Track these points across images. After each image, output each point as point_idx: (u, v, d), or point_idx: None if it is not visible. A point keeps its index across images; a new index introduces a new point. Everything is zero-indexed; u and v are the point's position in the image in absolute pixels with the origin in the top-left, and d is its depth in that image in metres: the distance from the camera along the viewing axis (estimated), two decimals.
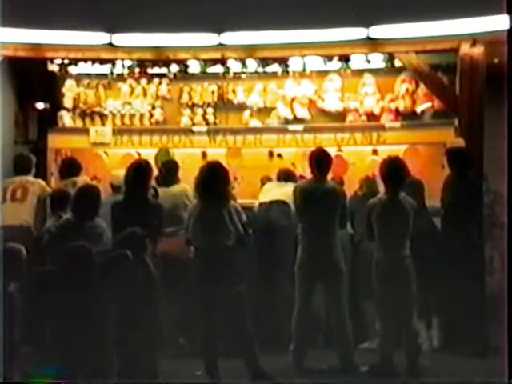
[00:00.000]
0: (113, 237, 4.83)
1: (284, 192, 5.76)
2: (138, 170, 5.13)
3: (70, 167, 6.30)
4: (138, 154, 7.49)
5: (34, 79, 7.59)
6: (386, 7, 6.16)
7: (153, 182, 5.54)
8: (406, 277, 4.89)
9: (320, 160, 5.14)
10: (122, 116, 7.78)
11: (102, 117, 7.81)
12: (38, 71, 7.47)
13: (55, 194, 5.65)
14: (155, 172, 5.78)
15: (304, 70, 7.39)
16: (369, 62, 7.24)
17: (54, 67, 7.59)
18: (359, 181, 6.27)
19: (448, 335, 5.58)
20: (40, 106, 7.79)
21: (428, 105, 7.29)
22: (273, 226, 5.70)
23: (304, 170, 6.42)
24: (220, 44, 6.71)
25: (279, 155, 7.59)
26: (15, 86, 7.44)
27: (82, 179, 6.11)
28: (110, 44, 6.76)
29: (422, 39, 6.48)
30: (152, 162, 6.26)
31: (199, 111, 7.73)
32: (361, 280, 5.39)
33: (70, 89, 7.80)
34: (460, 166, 5.70)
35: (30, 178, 5.95)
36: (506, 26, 5.26)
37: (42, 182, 6.03)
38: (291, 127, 7.44)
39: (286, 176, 6.16)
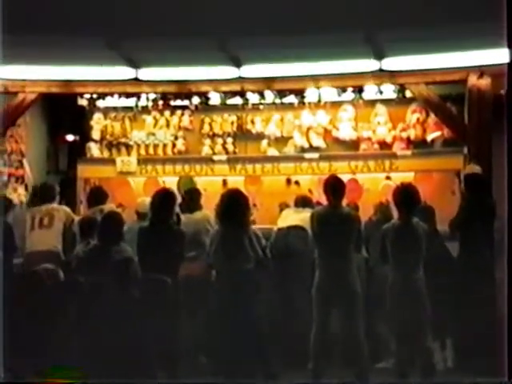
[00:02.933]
0: (139, 261, 5.05)
1: (301, 218, 5.86)
2: (164, 197, 5.25)
3: (98, 195, 6.46)
4: (163, 182, 7.74)
5: (65, 113, 7.92)
6: (398, 41, 6.37)
7: (177, 209, 5.75)
8: (420, 298, 4.96)
9: (334, 187, 5.20)
10: (147, 146, 8.07)
11: (128, 147, 8.12)
12: (69, 106, 7.78)
13: (83, 221, 5.82)
14: (179, 199, 5.98)
15: (319, 100, 7.63)
16: (381, 92, 7.46)
17: (83, 101, 7.91)
18: (373, 207, 6.39)
19: (462, 356, 5.66)
20: (70, 138, 8.11)
21: (438, 134, 7.48)
22: (291, 250, 5.80)
23: (320, 197, 6.48)
24: (239, 77, 6.96)
25: (296, 182, 7.81)
26: (47, 119, 7.79)
27: (109, 207, 6.26)
28: (136, 79, 7.04)
29: (432, 71, 6.70)
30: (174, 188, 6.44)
31: (219, 141, 8.00)
32: (376, 302, 5.53)
33: (97, 121, 8.11)
34: (477, 192, 5.81)
35: (55, 205, 6.10)
36: (507, 60, 5.43)
37: (67, 209, 6.15)
38: (307, 155, 7.67)
39: (303, 202, 6.27)
